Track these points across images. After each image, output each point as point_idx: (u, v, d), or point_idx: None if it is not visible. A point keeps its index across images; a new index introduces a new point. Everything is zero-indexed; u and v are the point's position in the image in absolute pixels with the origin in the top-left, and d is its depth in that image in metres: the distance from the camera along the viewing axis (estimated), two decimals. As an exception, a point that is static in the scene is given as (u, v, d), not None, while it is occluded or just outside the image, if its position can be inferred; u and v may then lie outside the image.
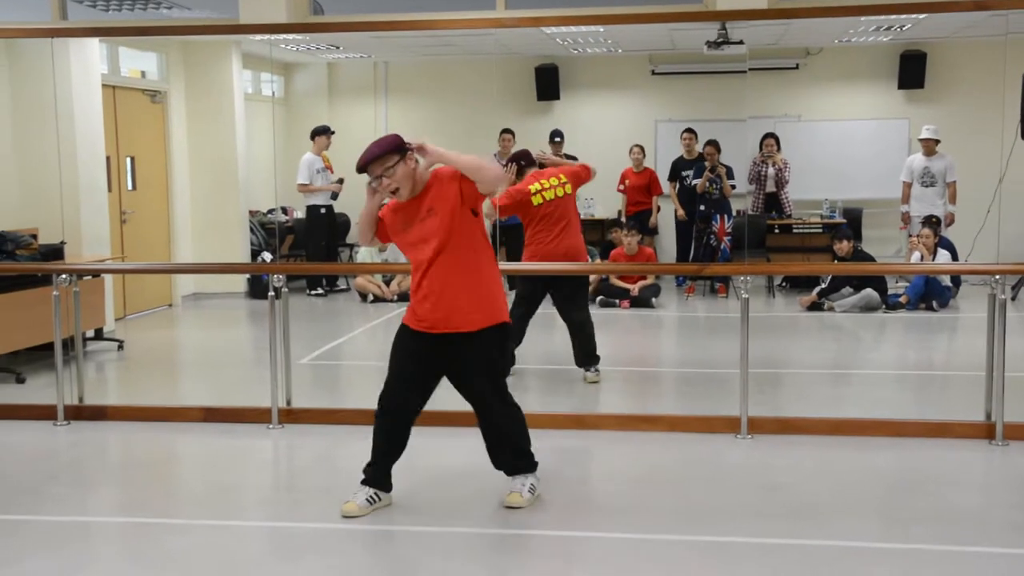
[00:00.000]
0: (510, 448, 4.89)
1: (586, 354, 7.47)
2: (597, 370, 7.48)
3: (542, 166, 7.58)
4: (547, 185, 7.36)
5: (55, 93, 8.39)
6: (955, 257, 10.91)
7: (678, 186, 12.20)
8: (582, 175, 7.47)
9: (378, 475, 4.84)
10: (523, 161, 7.53)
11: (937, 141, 11.50)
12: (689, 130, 12.21)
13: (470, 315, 4.64)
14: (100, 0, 8.42)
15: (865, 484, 5.33)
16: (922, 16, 10.17)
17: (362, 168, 4.64)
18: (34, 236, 8.49)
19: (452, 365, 4.76)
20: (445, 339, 4.67)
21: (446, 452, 5.58)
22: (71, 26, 7.31)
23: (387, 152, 4.58)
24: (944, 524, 4.62)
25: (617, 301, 10.90)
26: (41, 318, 7.45)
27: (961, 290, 11.22)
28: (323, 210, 11.93)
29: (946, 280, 10.72)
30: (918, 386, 7.88)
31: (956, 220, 11.51)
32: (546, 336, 8.64)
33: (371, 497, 4.79)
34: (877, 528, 4.66)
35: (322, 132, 11.99)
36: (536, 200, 7.29)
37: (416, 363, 4.74)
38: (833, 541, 4.41)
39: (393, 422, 4.81)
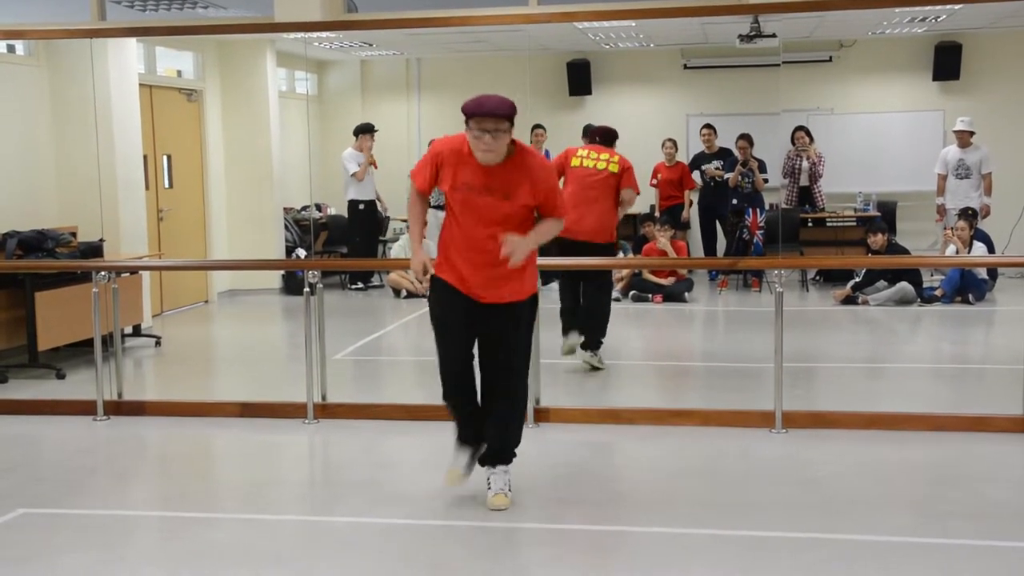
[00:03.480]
0: (510, 433, 4.77)
1: (591, 340, 7.55)
2: (596, 355, 7.55)
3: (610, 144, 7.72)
4: (593, 156, 7.51)
5: (94, 92, 8.49)
6: (991, 250, 10.81)
7: (699, 178, 12.31)
8: (630, 178, 7.54)
9: (470, 433, 4.80)
10: (598, 137, 7.68)
11: (972, 133, 11.40)
12: (708, 126, 12.25)
13: (519, 288, 4.61)
14: (137, 0, 8.49)
15: (901, 478, 5.31)
16: (957, 7, 10.08)
17: (475, 115, 4.37)
18: (73, 234, 8.61)
19: (492, 326, 4.64)
20: (490, 306, 4.61)
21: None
22: (109, 26, 7.37)
23: (508, 116, 4.40)
24: (982, 519, 4.59)
25: (650, 296, 10.87)
26: (80, 315, 7.55)
27: (998, 283, 11.12)
28: (362, 206, 11.99)
29: (982, 273, 10.62)
30: (955, 380, 7.81)
31: (992, 212, 11.40)
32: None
33: (472, 458, 4.80)
34: (914, 523, 4.62)
35: (365, 131, 12.01)
36: (574, 162, 7.48)
37: (465, 316, 4.63)
38: (869, 536, 4.39)
39: (461, 376, 4.71)
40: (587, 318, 7.54)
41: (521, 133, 11.89)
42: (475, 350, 4.77)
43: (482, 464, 4.82)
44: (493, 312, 4.61)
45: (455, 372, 4.72)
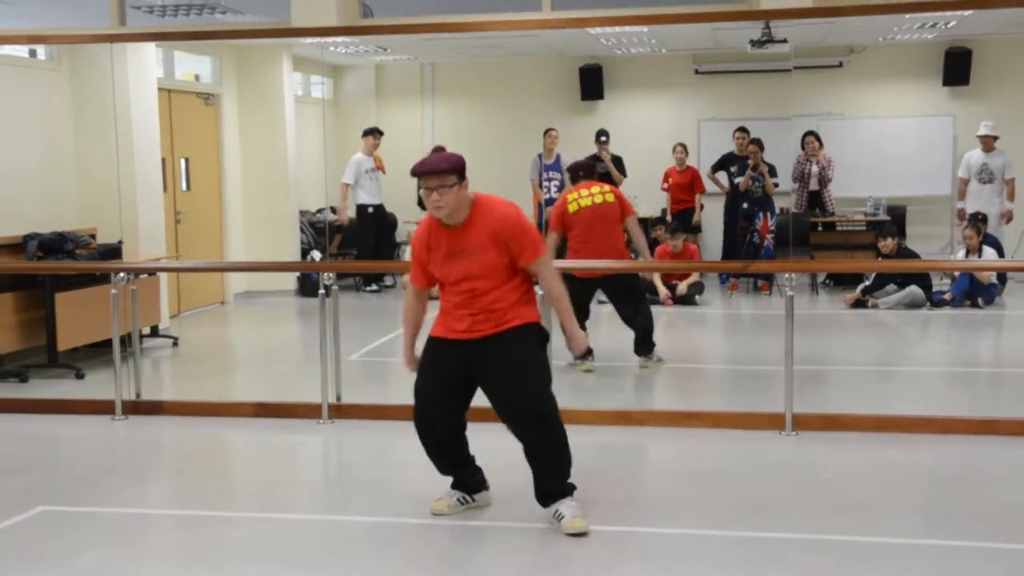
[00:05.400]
0: (556, 466, 4.59)
1: (640, 344, 7.83)
2: (651, 358, 7.83)
3: (600, 177, 7.97)
4: (585, 194, 7.72)
5: (113, 96, 8.58)
6: (1001, 255, 10.81)
7: (726, 180, 12.27)
8: (625, 202, 7.81)
9: (460, 480, 4.79)
10: (581, 172, 7.91)
11: (995, 137, 11.40)
12: (742, 128, 12.22)
13: (515, 316, 4.54)
14: (157, 6, 8.58)
15: (911, 481, 5.32)
16: (967, 13, 10.09)
17: (420, 174, 4.46)
18: (93, 236, 8.68)
19: (491, 363, 4.52)
20: (481, 342, 4.53)
21: (491, 447, 5.60)
22: (129, 31, 7.46)
23: (451, 171, 4.42)
24: (991, 522, 4.59)
25: (660, 299, 10.91)
26: (99, 316, 7.64)
27: (1007, 287, 11.11)
28: (370, 209, 12.07)
29: (992, 277, 10.63)
30: (964, 383, 7.82)
31: (1015, 217, 11.38)
32: (591, 332, 8.68)
33: (461, 499, 4.76)
34: (923, 525, 4.65)
35: (369, 133, 12.15)
36: (572, 208, 7.68)
37: (450, 375, 4.59)
38: (879, 538, 4.41)
39: (439, 441, 4.69)
40: (634, 331, 7.82)
41: (533, 136, 12.03)
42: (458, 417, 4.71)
43: (544, 504, 4.62)
44: (492, 344, 4.52)
45: (429, 431, 4.65)
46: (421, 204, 5.42)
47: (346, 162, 12.28)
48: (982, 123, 11.54)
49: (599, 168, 8.35)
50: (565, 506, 4.55)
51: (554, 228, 7.71)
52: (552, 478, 4.59)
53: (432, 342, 4.69)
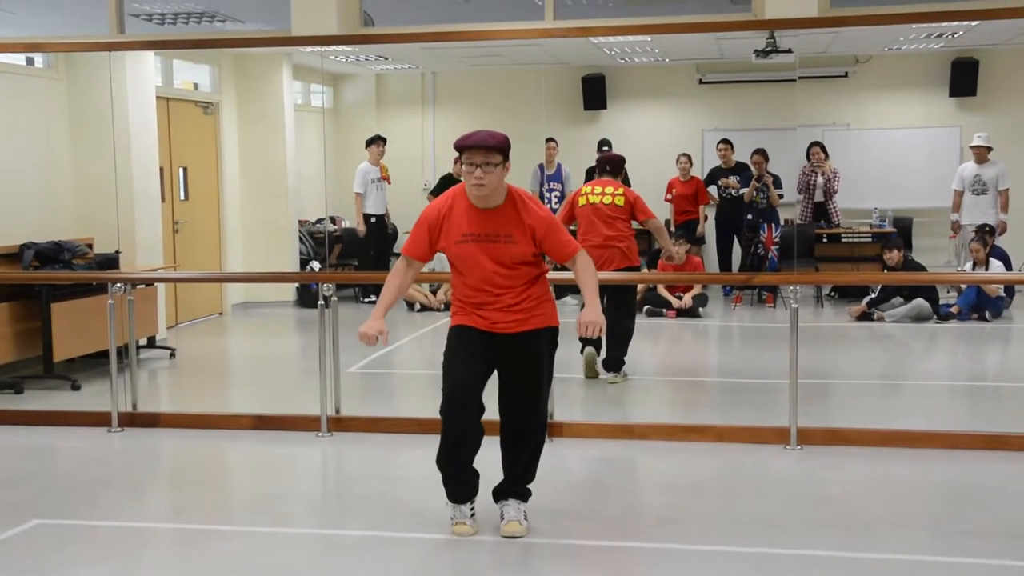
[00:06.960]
0: (528, 470, 4.68)
1: (612, 359, 7.62)
2: (618, 374, 7.63)
3: (623, 178, 7.91)
4: (598, 191, 7.61)
5: (111, 105, 8.54)
6: (1009, 267, 10.75)
7: (716, 192, 12.28)
8: (640, 207, 7.59)
9: (464, 491, 4.66)
10: (608, 167, 7.78)
11: (989, 148, 11.34)
12: (724, 141, 12.22)
13: (539, 317, 4.55)
14: (156, 14, 8.55)
15: (917, 497, 5.28)
16: (974, 23, 10.04)
17: (465, 148, 4.35)
18: (90, 245, 8.65)
19: (513, 357, 4.55)
20: (508, 337, 4.53)
21: (486, 462, 5.54)
22: (128, 39, 7.42)
23: (498, 149, 4.34)
24: (998, 538, 4.55)
25: (664, 310, 10.85)
26: (96, 326, 7.60)
27: (1015, 300, 11.05)
28: (373, 219, 12.03)
29: (999, 290, 10.56)
30: (971, 397, 7.78)
31: (1009, 229, 11.33)
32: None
33: (472, 512, 4.66)
34: (930, 542, 4.61)
35: (373, 142, 12.11)
36: (581, 201, 7.63)
37: (478, 358, 4.53)
38: (884, 555, 4.36)
39: (465, 422, 4.54)
40: (609, 338, 7.58)
41: (535, 147, 11.96)
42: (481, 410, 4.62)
43: (496, 499, 4.70)
44: (514, 342, 4.53)
45: (459, 402, 4.49)
46: None
47: (346, 171, 12.23)
48: (976, 134, 11.48)
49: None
50: (511, 507, 4.63)
51: (562, 219, 7.58)
52: (515, 477, 4.66)
53: (457, 328, 4.61)
